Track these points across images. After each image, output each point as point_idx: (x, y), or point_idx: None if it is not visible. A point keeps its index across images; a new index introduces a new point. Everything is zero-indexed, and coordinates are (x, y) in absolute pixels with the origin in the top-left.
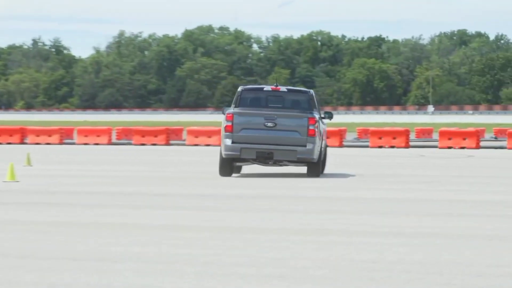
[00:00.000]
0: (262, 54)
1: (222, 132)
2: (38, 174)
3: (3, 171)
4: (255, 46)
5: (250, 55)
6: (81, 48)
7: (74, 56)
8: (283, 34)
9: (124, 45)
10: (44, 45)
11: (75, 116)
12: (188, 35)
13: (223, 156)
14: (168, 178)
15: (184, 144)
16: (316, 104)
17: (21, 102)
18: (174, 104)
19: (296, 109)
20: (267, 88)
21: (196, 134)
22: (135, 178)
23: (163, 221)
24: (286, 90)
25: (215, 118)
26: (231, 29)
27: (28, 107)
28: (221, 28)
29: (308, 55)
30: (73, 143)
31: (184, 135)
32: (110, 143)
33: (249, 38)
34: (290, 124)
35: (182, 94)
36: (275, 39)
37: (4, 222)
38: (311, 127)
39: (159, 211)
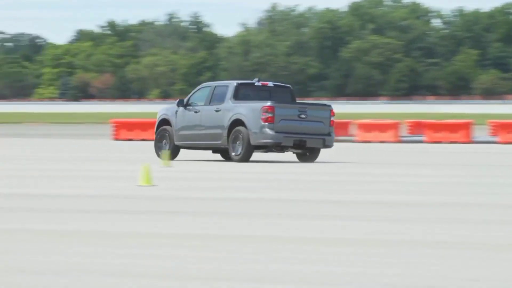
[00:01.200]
0: (445, 31)
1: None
2: (178, 177)
3: (136, 173)
4: (435, 22)
5: (430, 32)
6: (226, 25)
7: (217, 35)
8: (469, 6)
9: (278, 21)
10: (181, 21)
11: None
12: (355, 9)
13: (257, 143)
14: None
15: (351, 141)
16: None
17: (156, 90)
18: (339, 92)
19: (282, 101)
20: (258, 83)
21: (367, 128)
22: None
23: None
24: (272, 85)
25: (389, 109)
26: (406, 0)
27: (164, 96)
28: (394, 0)
29: (501, 32)
30: None
31: (352, 129)
32: None
33: (427, 11)
34: (317, 115)
35: (348, 80)
36: (460, 12)
37: (126, 234)
38: (332, 118)
39: (291, 222)
